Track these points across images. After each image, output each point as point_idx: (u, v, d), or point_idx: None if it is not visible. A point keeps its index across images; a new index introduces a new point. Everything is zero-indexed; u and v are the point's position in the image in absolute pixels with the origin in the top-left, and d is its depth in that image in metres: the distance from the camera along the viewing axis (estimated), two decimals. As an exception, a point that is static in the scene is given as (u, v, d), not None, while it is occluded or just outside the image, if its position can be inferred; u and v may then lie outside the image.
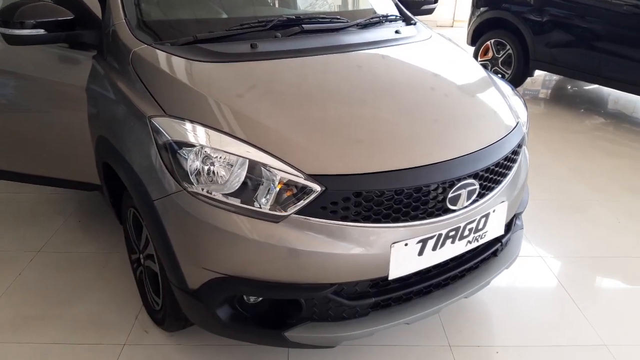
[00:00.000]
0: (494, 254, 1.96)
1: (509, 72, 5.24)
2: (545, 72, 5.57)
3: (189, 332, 2.02)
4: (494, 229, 1.83)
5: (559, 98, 5.60)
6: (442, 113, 1.82)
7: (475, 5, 5.52)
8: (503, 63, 5.29)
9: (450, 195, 1.61)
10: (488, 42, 5.39)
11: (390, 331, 2.03)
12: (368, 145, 1.59)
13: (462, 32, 6.93)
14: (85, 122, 2.12)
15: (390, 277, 1.61)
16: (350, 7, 2.56)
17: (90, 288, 2.31)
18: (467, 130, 1.78)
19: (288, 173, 1.50)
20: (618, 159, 3.87)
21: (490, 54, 5.40)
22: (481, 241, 1.80)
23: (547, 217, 2.96)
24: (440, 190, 1.60)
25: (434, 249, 1.66)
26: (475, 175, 1.67)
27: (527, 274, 2.48)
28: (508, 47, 5.18)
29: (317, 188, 1.48)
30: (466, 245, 1.75)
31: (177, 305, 1.80)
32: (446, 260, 1.74)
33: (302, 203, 1.49)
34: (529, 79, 5.54)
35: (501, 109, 1.97)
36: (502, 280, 2.38)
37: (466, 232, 1.72)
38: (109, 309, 2.18)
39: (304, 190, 1.50)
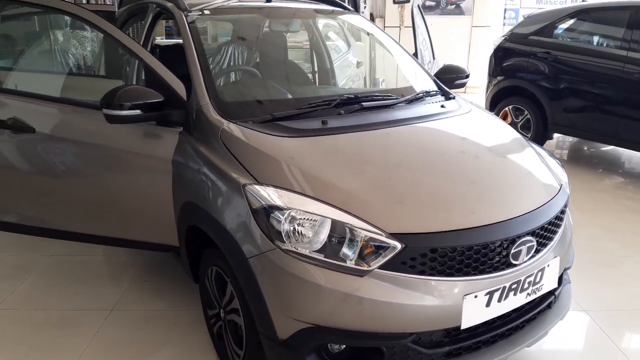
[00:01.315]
0: (549, 306, 2.12)
1: (529, 135, 5.51)
2: (560, 134, 5.84)
3: (265, 384, 2.16)
4: (549, 282, 2.01)
5: (577, 159, 5.85)
6: (497, 177, 2.06)
7: (492, 75, 5.88)
8: (522, 127, 5.57)
9: (513, 251, 1.82)
10: (506, 108, 5.70)
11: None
12: (440, 207, 1.82)
13: (475, 97, 7.29)
14: (166, 190, 2.36)
15: (463, 327, 1.78)
16: (393, 85, 2.85)
17: (165, 344, 2.47)
18: (522, 192, 2.01)
19: (371, 232, 1.71)
20: (642, 216, 4.06)
21: (509, 119, 5.70)
22: (538, 293, 1.98)
23: (585, 273, 3.11)
24: (504, 247, 1.81)
25: (499, 300, 1.84)
26: (532, 233, 1.88)
27: (574, 327, 2.61)
28: (526, 112, 5.48)
29: (398, 245, 1.69)
30: (526, 297, 1.93)
31: (260, 355, 1.97)
32: (509, 312, 1.91)
33: (384, 259, 1.70)
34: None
35: (546, 173, 2.21)
36: (552, 334, 2.51)
37: (526, 285, 1.91)
38: (185, 363, 2.34)
39: (383, 247, 1.71)
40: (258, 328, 1.89)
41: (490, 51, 6.02)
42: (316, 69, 3.70)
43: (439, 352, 1.80)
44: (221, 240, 1.97)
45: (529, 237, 1.86)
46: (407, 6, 8.72)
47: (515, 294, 1.88)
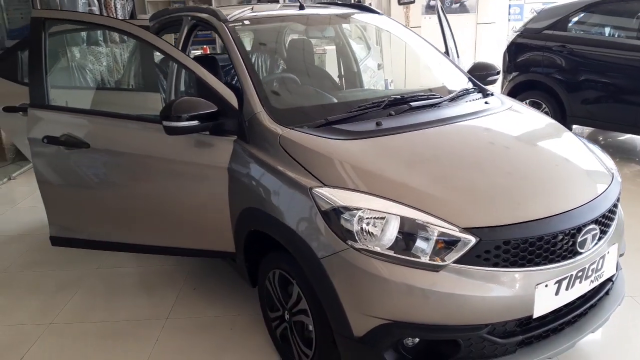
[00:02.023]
0: (607, 292, 2.17)
1: (547, 128, 5.56)
2: (577, 125, 5.90)
3: (333, 383, 2.21)
4: (609, 269, 2.06)
5: (594, 149, 5.90)
6: (556, 169, 2.11)
7: (506, 70, 5.94)
8: (540, 121, 5.62)
9: (579, 239, 1.87)
10: (524, 102, 5.75)
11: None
12: (508, 200, 1.87)
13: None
14: (222, 197, 2.41)
15: (535, 316, 1.83)
16: (433, 84, 2.90)
17: (225, 349, 2.51)
18: (582, 182, 2.08)
19: (444, 228, 1.76)
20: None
21: (526, 113, 5.75)
22: (600, 280, 2.03)
23: (624, 260, 3.14)
24: (572, 235, 1.86)
25: (567, 288, 1.89)
26: (596, 221, 1.93)
27: (623, 312, 2.65)
28: (544, 105, 5.54)
29: (472, 239, 1.74)
30: (589, 284, 1.98)
31: (331, 354, 2.02)
32: (574, 300, 1.96)
33: (459, 253, 1.75)
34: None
35: (598, 163, 2.26)
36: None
37: (590, 272, 1.96)
38: (249, 366, 2.38)
39: (454, 242, 1.76)
40: (332, 327, 1.93)
41: (502, 47, 6.09)
42: (342, 72, 3.76)
43: (512, 342, 1.84)
44: (291, 243, 2.02)
45: (593, 225, 1.91)
46: (412, 7, 8.82)
47: (580, 282, 1.93)
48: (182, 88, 3.21)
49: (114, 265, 3.43)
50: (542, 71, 5.49)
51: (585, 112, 5.18)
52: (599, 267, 2.00)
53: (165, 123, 2.23)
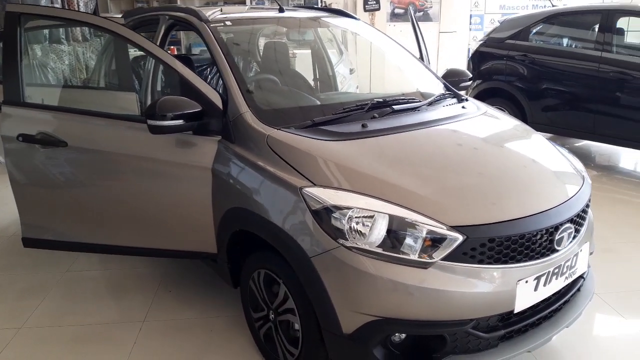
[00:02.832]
0: (578, 289, 2.28)
1: (509, 134, 5.77)
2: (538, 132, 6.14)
3: (317, 381, 2.22)
4: (581, 266, 2.18)
5: (553, 155, 6.16)
6: (534, 171, 2.22)
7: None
8: (502, 127, 5.82)
9: (557, 237, 1.97)
10: (487, 109, 5.94)
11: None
12: (492, 199, 1.95)
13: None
14: (205, 198, 2.39)
15: (516, 310, 1.91)
16: (411, 89, 2.98)
17: (206, 351, 2.49)
18: (557, 183, 2.19)
19: (433, 226, 1.82)
20: (623, 205, 4.34)
21: (489, 119, 5.94)
22: (573, 277, 2.14)
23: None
24: (550, 234, 1.95)
25: (545, 284, 1.98)
26: (571, 220, 2.03)
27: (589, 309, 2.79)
28: (506, 112, 5.74)
29: (459, 237, 1.80)
30: (564, 280, 2.08)
31: (318, 353, 2.05)
32: (550, 295, 2.06)
33: (447, 250, 1.80)
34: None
35: (570, 166, 2.38)
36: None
37: (565, 269, 2.06)
38: (232, 368, 2.37)
39: (441, 240, 1.82)
40: (321, 324, 1.96)
41: (463, 55, 6.27)
42: (318, 76, 3.79)
43: (495, 336, 1.91)
44: (280, 242, 2.03)
45: (568, 224, 2.02)
46: (377, 14, 8.98)
47: (556, 278, 2.03)
48: (159, 88, 3.17)
49: (84, 268, 3.33)
50: (505, 79, 5.70)
51: (545, 119, 5.40)
52: (573, 264, 2.10)
53: (150, 122, 2.21)
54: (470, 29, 9.35)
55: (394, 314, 1.82)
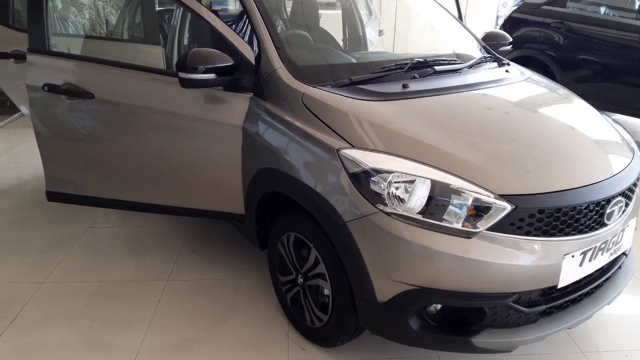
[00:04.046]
0: (620, 266, 2.19)
1: (539, 105, 5.58)
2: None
3: (345, 348, 2.18)
4: (627, 242, 2.08)
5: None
6: (586, 140, 2.10)
7: (502, 45, 5.89)
8: (532, 97, 5.63)
9: (608, 211, 1.86)
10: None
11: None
12: (544, 168, 1.84)
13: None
14: (234, 157, 2.31)
15: (560, 286, 1.82)
16: (451, 50, 2.84)
17: (230, 312, 2.45)
18: (609, 154, 2.06)
19: (480, 194, 1.72)
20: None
21: (518, 89, 5.74)
22: (618, 253, 2.04)
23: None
24: (600, 207, 1.84)
25: (590, 260, 1.89)
26: (622, 194, 1.92)
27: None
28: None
29: (507, 206, 1.71)
30: (609, 257, 1.99)
31: (348, 319, 1.99)
32: (593, 271, 1.97)
33: (493, 220, 1.71)
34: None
35: (620, 137, 2.25)
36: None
37: (611, 245, 1.96)
38: (258, 330, 2.33)
39: (487, 209, 1.72)
40: (355, 291, 1.90)
41: (493, 22, 6.02)
42: (347, 35, 3.65)
43: (535, 311, 1.84)
44: (313, 206, 1.95)
45: (620, 198, 1.91)
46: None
47: (602, 254, 1.93)
48: (185, 42, 3.06)
49: (106, 224, 3.30)
50: (538, 47, 5.46)
51: (578, 90, 5.15)
52: (619, 240, 2.00)
53: (182, 74, 2.11)
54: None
55: (432, 283, 1.75)
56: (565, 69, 5.24)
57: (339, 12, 3.91)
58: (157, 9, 3.49)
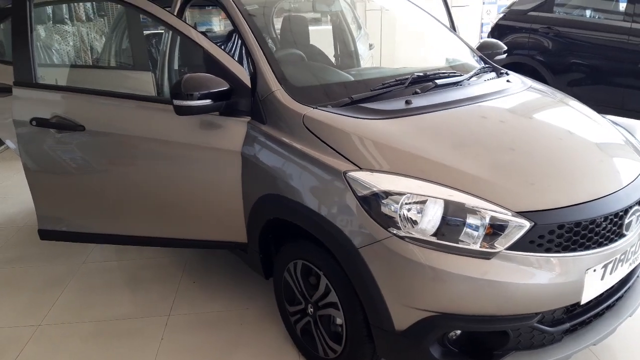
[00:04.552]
0: (639, 276, 2.12)
1: (532, 111, 5.57)
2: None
3: (361, 378, 2.08)
4: (643, 251, 2.01)
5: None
6: (597, 149, 2.03)
7: (490, 52, 5.89)
8: (524, 103, 5.62)
9: (626, 221, 1.80)
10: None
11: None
12: (559, 181, 1.77)
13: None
14: (234, 184, 2.22)
15: (583, 302, 1.75)
16: (450, 62, 2.80)
17: (238, 345, 2.35)
18: (622, 162, 2.00)
19: (496, 212, 1.65)
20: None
21: (510, 96, 5.73)
22: (636, 263, 1.97)
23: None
24: (619, 218, 1.78)
25: (611, 272, 1.82)
26: (639, 202, 1.86)
27: None
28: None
29: (526, 224, 1.63)
30: (628, 267, 1.92)
31: (364, 349, 1.90)
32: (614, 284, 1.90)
33: (512, 239, 1.64)
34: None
35: (630, 144, 2.20)
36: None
37: (630, 255, 1.89)
38: (268, 363, 2.23)
39: (504, 227, 1.65)
40: (370, 320, 1.81)
41: (478, 30, 6.03)
42: (339, 52, 3.60)
43: (560, 330, 1.76)
44: (322, 232, 1.86)
45: (637, 207, 1.84)
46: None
47: (622, 265, 1.87)
48: (176, 66, 2.98)
49: (100, 259, 3.18)
50: (527, 53, 5.47)
51: (571, 94, 5.17)
52: (636, 249, 1.94)
53: (177, 102, 2.03)
54: (483, 3, 9.06)
55: (453, 309, 1.66)
56: (556, 74, 5.24)
57: (325, 27, 3.87)
58: (145, 32, 3.42)
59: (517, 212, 1.65)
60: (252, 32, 2.29)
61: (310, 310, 2.11)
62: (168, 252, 3.17)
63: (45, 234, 2.53)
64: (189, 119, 2.21)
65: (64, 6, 5.84)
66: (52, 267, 3.10)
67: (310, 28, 3.91)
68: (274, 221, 2.12)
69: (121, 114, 2.33)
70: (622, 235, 1.82)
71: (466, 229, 1.65)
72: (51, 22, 5.63)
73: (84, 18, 6.20)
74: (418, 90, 2.21)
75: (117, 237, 2.51)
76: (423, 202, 1.68)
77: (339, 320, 1.99)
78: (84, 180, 2.46)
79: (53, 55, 4.90)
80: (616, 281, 1.88)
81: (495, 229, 1.65)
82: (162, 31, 3.14)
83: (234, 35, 3.86)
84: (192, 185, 2.33)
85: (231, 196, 2.25)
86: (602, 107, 5.06)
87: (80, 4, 6.19)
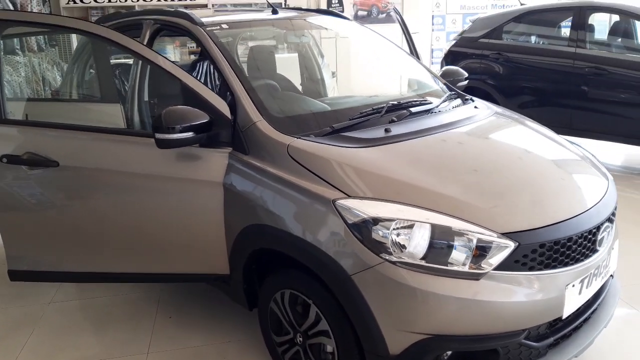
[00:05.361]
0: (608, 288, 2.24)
1: (486, 132, 5.81)
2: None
3: (352, 405, 2.08)
4: (613, 264, 2.14)
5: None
6: (566, 170, 2.17)
7: (444, 77, 6.13)
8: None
9: (599, 237, 1.91)
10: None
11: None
12: (537, 202, 1.87)
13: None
14: (215, 215, 2.20)
15: (564, 316, 1.84)
16: (418, 91, 2.90)
17: (223, 380, 2.30)
18: (590, 181, 2.14)
19: (482, 234, 1.72)
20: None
21: (465, 118, 5.97)
22: (606, 277, 2.10)
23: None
24: (592, 234, 1.89)
25: (587, 286, 1.93)
26: (609, 219, 1.98)
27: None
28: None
29: (511, 244, 1.71)
30: (601, 280, 2.03)
31: (357, 376, 1.91)
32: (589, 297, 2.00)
33: (499, 259, 1.71)
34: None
35: (594, 164, 2.34)
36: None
37: (602, 269, 2.01)
38: (256, 396, 2.19)
39: (490, 248, 1.72)
40: (364, 346, 1.82)
41: (429, 56, 6.26)
42: (305, 80, 3.66)
43: (544, 344, 1.84)
44: (312, 260, 1.88)
45: (607, 223, 1.97)
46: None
47: (596, 279, 1.98)
48: (146, 98, 2.95)
49: (69, 297, 3.05)
50: (479, 78, 5.71)
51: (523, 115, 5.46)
52: (607, 263, 2.06)
53: (159, 135, 2.01)
54: (432, 30, 9.43)
55: (445, 330, 1.71)
56: (507, 97, 5.50)
57: (286, 55, 3.93)
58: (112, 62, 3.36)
59: (502, 234, 1.72)
60: (228, 63, 2.32)
61: (299, 339, 2.10)
62: (139, 287, 3.07)
63: (15, 275, 2.42)
64: (165, 151, 2.19)
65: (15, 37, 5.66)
66: (18, 309, 2.94)
67: (277, 56, 3.99)
68: (259, 251, 2.12)
69: (96, 148, 2.29)
70: (595, 251, 1.93)
71: (455, 252, 1.71)
72: (2, 52, 5.45)
73: (35, 48, 6.03)
74: (394, 118, 2.28)
75: (93, 274, 2.43)
76: (411, 227, 1.73)
77: (329, 348, 1.99)
78: (58, 217, 2.38)
79: (4, 87, 4.73)
80: (591, 295, 1.99)
81: (482, 251, 1.72)
82: (128, 61, 3.12)
83: (198, 64, 3.87)
84: (172, 219, 2.30)
85: (213, 228, 2.23)
86: (552, 127, 5.35)
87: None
